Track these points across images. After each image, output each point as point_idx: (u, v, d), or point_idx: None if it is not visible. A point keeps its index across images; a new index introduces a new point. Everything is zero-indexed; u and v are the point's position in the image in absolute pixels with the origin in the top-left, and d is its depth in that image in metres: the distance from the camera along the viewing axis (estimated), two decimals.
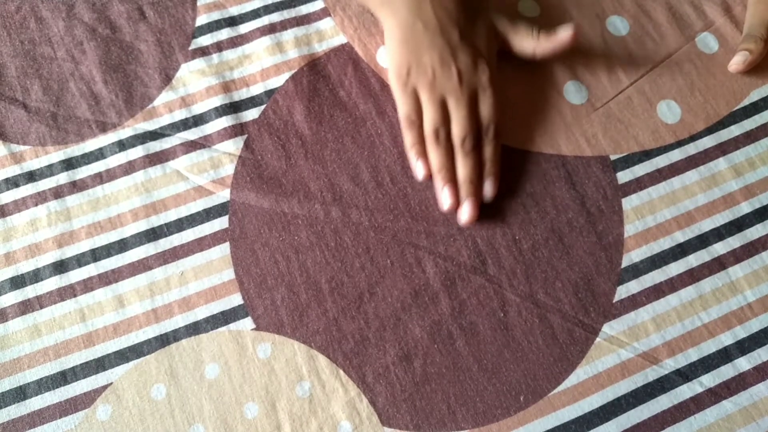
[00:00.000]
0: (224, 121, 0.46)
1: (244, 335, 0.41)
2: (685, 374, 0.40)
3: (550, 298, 0.42)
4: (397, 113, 0.45)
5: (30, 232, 0.43)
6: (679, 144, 0.46)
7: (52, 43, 0.48)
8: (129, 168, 0.45)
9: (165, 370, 0.40)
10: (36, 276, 0.42)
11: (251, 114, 0.46)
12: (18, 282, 0.42)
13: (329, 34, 0.49)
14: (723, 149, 0.46)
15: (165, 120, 0.46)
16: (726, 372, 0.40)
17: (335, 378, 0.40)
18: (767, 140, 0.46)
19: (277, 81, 0.47)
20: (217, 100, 0.47)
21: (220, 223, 0.43)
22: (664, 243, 0.43)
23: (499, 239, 0.43)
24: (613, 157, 0.45)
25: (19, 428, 0.38)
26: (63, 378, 0.40)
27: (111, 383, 0.39)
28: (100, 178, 0.45)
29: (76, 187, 0.44)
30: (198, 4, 0.50)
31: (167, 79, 0.47)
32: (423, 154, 0.44)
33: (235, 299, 0.42)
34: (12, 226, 0.43)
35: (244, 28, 0.49)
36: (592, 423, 0.39)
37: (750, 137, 0.46)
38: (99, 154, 0.45)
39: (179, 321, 0.41)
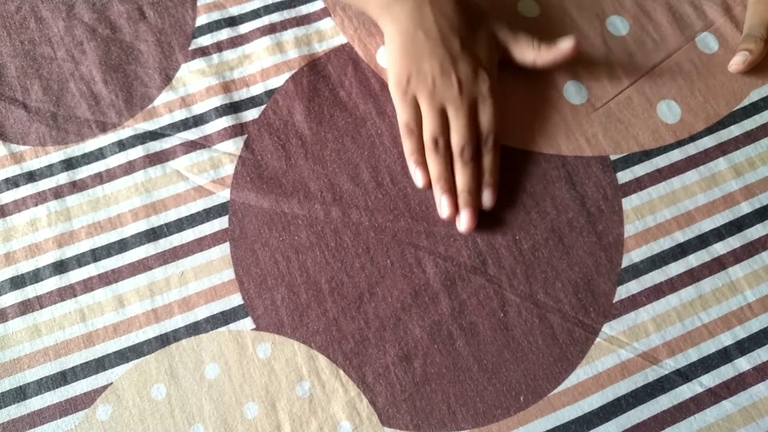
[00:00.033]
0: (224, 121, 0.46)
1: (244, 335, 0.41)
2: (685, 374, 0.40)
3: (550, 298, 0.42)
4: (397, 116, 0.45)
5: (30, 232, 0.43)
6: (679, 144, 0.46)
7: (52, 43, 0.48)
8: (129, 168, 0.45)
9: (165, 370, 0.40)
10: (36, 276, 0.42)
11: (251, 114, 0.46)
12: (18, 282, 0.42)
13: (329, 35, 0.49)
14: (723, 149, 0.46)
15: (165, 120, 0.46)
16: (726, 372, 0.40)
17: (335, 378, 0.40)
18: (767, 140, 0.46)
19: (277, 81, 0.47)
20: (217, 100, 0.47)
21: (220, 223, 0.43)
22: (664, 243, 0.43)
23: (499, 239, 0.43)
24: (613, 157, 0.45)
25: (19, 428, 0.38)
26: (63, 378, 0.40)
27: (111, 383, 0.40)
28: (100, 178, 0.45)
29: (76, 187, 0.44)
30: (198, 4, 0.50)
31: (167, 79, 0.47)
32: (422, 162, 0.44)
33: (235, 299, 0.42)
34: (12, 226, 0.43)
35: (244, 28, 0.49)
36: (592, 423, 0.39)
37: (750, 137, 0.46)
38: (99, 154, 0.45)
39: (179, 321, 0.41)
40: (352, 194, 0.44)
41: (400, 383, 0.40)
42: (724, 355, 0.40)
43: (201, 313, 0.41)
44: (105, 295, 0.41)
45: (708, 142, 0.46)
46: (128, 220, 0.43)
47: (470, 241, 0.43)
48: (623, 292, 0.42)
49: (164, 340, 0.40)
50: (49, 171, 0.45)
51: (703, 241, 0.43)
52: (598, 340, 0.41)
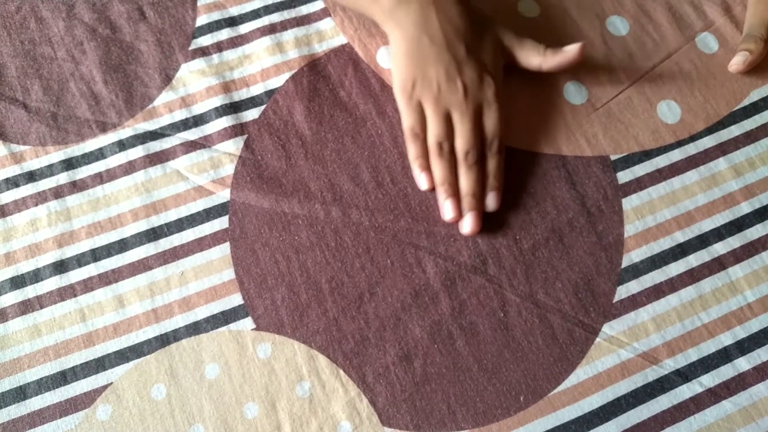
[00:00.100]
0: (224, 121, 0.46)
1: (244, 335, 0.41)
2: (684, 374, 0.40)
3: (550, 298, 0.42)
4: (399, 115, 0.45)
5: (30, 232, 0.43)
6: (679, 144, 0.46)
7: (52, 43, 0.48)
8: (129, 168, 0.45)
9: (165, 370, 0.40)
10: (36, 276, 0.42)
11: (251, 114, 0.46)
12: (18, 282, 0.42)
13: (329, 35, 0.49)
14: (723, 149, 0.46)
15: (165, 120, 0.46)
16: (726, 372, 0.40)
17: (335, 378, 0.40)
18: (767, 140, 0.46)
19: (277, 81, 0.47)
20: (217, 100, 0.47)
21: (220, 223, 0.43)
22: (664, 243, 0.43)
23: (499, 239, 0.43)
24: (613, 157, 0.45)
25: (19, 428, 0.38)
26: (63, 378, 0.40)
27: (111, 383, 0.40)
28: (100, 178, 0.45)
29: (76, 187, 0.44)
30: (198, 4, 0.50)
31: (167, 79, 0.47)
32: (426, 167, 0.44)
33: (235, 299, 0.42)
34: (12, 226, 0.43)
35: (244, 28, 0.49)
36: (592, 423, 0.39)
37: (750, 137, 0.46)
38: (99, 154, 0.45)
39: (179, 321, 0.41)
40: (352, 194, 0.44)
41: (400, 383, 0.40)
42: (724, 355, 0.40)
43: (201, 313, 0.41)
44: (105, 295, 0.41)
45: (708, 142, 0.46)
46: (128, 220, 0.43)
47: (470, 241, 0.43)
48: (623, 292, 0.42)
49: (164, 340, 0.40)
50: (49, 171, 0.45)
51: (703, 241, 0.43)
52: (598, 340, 0.41)
